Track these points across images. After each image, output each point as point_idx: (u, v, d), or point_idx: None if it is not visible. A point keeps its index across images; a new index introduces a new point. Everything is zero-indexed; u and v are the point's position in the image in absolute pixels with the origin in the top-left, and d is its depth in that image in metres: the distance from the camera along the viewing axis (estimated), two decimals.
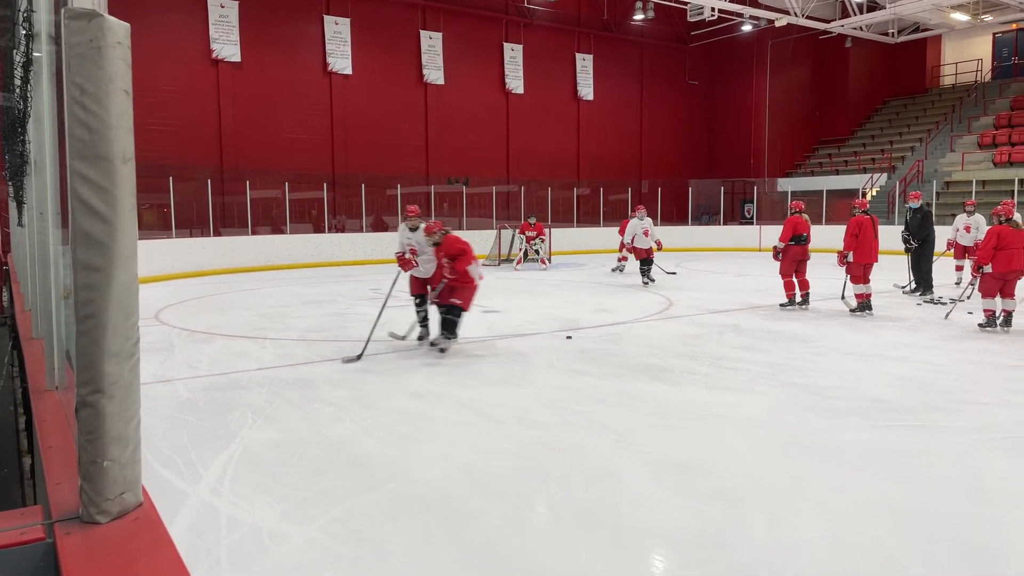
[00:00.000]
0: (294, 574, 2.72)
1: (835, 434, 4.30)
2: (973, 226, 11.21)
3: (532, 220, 17.09)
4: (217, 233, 17.43)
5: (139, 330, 1.52)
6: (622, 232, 14.24)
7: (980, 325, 7.68)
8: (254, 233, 17.78)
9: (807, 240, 9.16)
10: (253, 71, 19.33)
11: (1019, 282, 7.62)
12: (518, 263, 16.92)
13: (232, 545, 2.94)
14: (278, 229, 18.68)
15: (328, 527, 3.10)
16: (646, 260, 12.65)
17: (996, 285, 7.52)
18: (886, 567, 2.74)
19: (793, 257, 9.16)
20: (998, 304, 7.56)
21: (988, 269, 7.51)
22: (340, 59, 20.62)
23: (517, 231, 17.37)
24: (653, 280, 12.57)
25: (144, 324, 8.89)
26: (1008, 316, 7.57)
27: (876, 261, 8.81)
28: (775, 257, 9.32)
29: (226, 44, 18.79)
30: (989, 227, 7.68)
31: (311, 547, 2.92)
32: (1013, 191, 18.84)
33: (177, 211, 16.26)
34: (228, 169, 18.89)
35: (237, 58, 18.98)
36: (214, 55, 18.69)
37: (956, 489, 3.46)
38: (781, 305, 9.31)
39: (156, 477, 3.64)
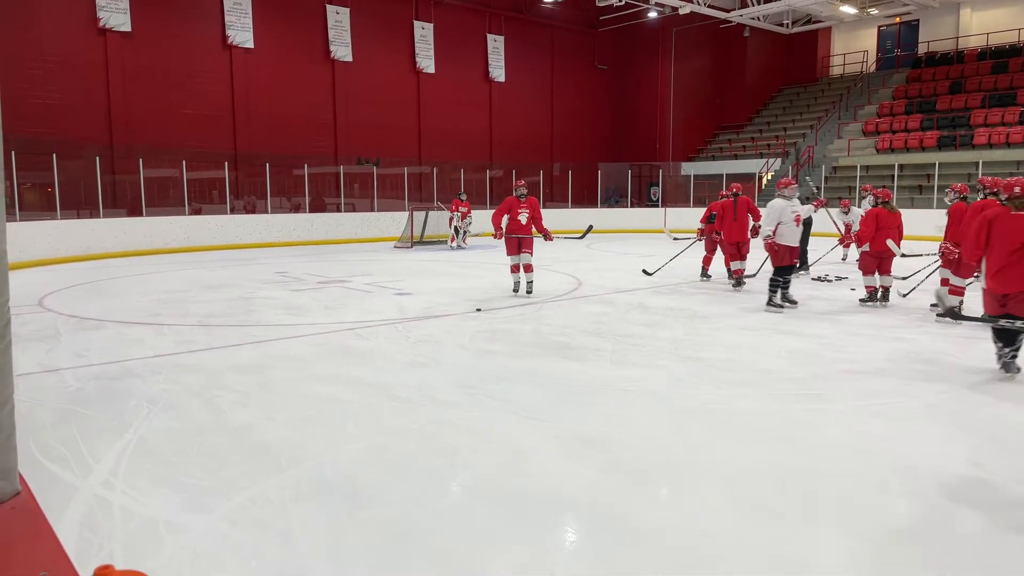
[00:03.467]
0: (193, 564, 2.64)
1: (730, 404, 4.54)
2: (852, 221, 11.75)
3: (463, 197, 17.50)
4: (107, 214, 16.41)
5: (10, 311, 1.43)
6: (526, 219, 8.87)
7: (861, 300, 8.26)
8: (149, 214, 16.85)
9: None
10: (145, 42, 18.22)
11: (895, 260, 8.23)
12: (452, 240, 16.99)
13: (127, 537, 2.82)
14: (176, 210, 17.77)
15: (229, 515, 3.02)
16: (789, 268, 8.02)
17: (874, 263, 8.09)
18: (775, 525, 2.94)
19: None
20: (876, 281, 8.14)
21: (867, 248, 8.07)
22: (241, 32, 19.74)
23: (450, 208, 17.32)
24: (795, 303, 8.09)
25: (25, 311, 8.33)
26: (886, 291, 8.17)
27: (741, 239, 9.53)
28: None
29: (114, 12, 17.62)
30: (868, 209, 8.25)
31: (211, 536, 2.85)
32: (893, 175, 20.23)
33: (62, 191, 15.18)
34: (119, 146, 17.80)
35: (127, 27, 17.84)
36: (101, 24, 17.50)
37: (838, 452, 3.73)
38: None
39: (43, 471, 3.44)
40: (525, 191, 8.90)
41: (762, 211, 8.37)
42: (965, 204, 7.17)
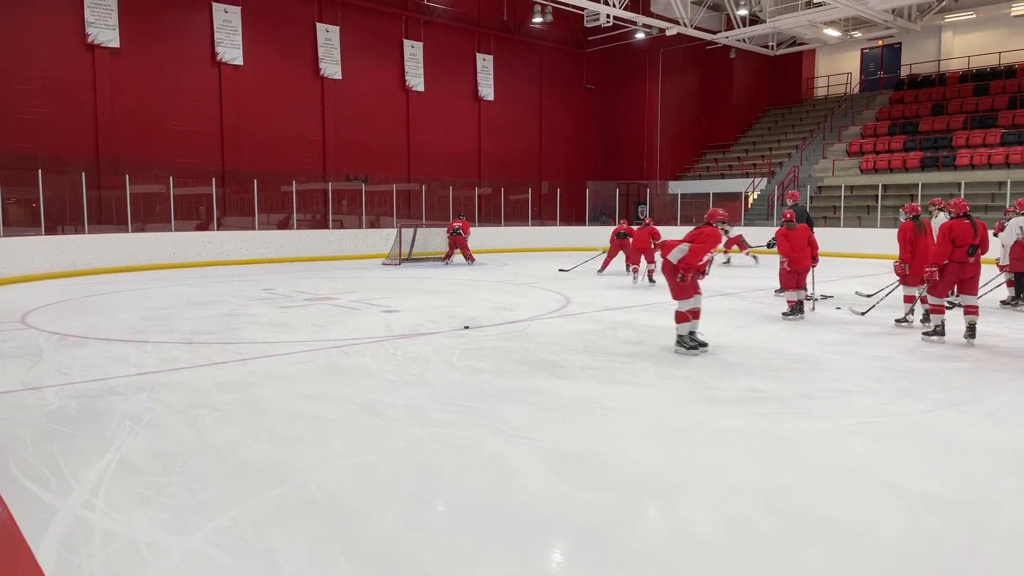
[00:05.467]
0: None
1: (717, 422, 4.54)
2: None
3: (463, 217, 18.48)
4: (93, 230, 16.29)
5: None
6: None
7: (784, 314, 8.70)
8: (135, 230, 16.74)
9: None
10: (133, 58, 18.21)
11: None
12: (471, 259, 17.72)
13: (106, 560, 2.77)
14: (162, 226, 17.68)
15: (212, 536, 2.98)
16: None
17: (793, 278, 8.67)
18: (761, 545, 2.93)
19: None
20: (795, 295, 8.69)
21: (786, 266, 8.73)
22: (230, 49, 19.77)
23: (463, 229, 17.62)
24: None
25: (7, 327, 8.24)
26: (800, 304, 8.74)
27: (647, 246, 12.58)
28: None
29: (103, 28, 17.61)
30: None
31: (192, 558, 2.80)
32: (877, 196, 20.48)
33: (47, 206, 15.07)
34: (105, 162, 17.72)
35: (116, 44, 17.83)
36: (89, 40, 17.48)
37: (823, 471, 3.74)
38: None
39: (22, 490, 3.39)
40: (728, 227, 7.08)
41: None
42: (912, 224, 7.69)
